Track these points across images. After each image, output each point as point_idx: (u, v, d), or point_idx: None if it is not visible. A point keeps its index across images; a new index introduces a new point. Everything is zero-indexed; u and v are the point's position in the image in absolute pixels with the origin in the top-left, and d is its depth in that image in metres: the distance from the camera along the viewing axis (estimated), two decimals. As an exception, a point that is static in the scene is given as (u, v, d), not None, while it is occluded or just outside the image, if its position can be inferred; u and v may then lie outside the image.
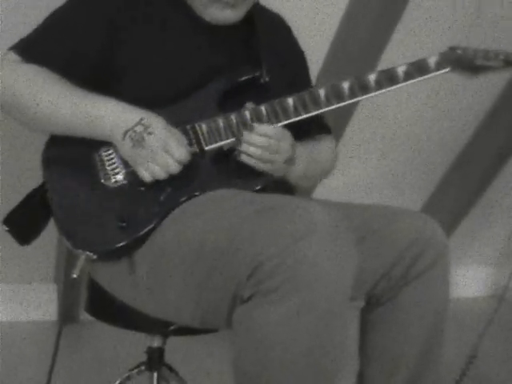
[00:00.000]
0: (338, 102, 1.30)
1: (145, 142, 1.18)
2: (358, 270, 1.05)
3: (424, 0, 2.01)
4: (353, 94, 1.30)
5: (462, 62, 1.33)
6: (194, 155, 1.24)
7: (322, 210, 1.04)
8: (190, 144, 1.24)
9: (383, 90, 1.30)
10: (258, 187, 1.24)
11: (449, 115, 2.45)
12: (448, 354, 1.32)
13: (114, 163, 1.24)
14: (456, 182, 2.69)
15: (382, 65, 2.03)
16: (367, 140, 2.44)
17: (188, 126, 1.26)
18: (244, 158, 1.25)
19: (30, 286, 2.38)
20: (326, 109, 1.30)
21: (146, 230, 1.18)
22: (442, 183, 2.74)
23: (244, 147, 1.24)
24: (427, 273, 1.24)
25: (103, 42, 1.28)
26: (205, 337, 1.34)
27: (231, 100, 1.30)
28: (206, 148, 1.26)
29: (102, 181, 1.23)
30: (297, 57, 1.52)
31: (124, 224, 1.18)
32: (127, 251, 1.20)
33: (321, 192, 2.30)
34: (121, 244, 1.18)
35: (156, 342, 1.42)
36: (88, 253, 1.18)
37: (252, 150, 1.24)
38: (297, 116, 1.29)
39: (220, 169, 1.26)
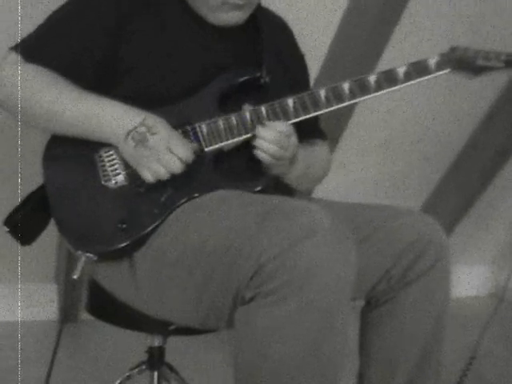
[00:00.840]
0: (338, 103, 1.30)
1: (148, 142, 1.18)
2: (358, 270, 1.06)
3: (424, 0, 2.01)
4: (353, 95, 1.30)
5: (463, 62, 1.33)
6: (194, 155, 1.24)
7: (322, 211, 1.05)
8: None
9: (383, 91, 1.31)
10: (258, 188, 1.24)
11: (448, 115, 2.45)
12: (448, 354, 1.33)
13: (115, 164, 1.24)
14: (455, 182, 2.69)
15: (382, 65, 2.03)
16: (367, 140, 2.44)
17: (188, 127, 1.26)
18: (257, 154, 1.25)
19: (30, 286, 2.39)
20: (326, 110, 1.30)
21: (146, 230, 1.18)
22: (441, 183, 2.74)
23: (258, 142, 1.25)
24: (427, 273, 1.24)
25: (105, 43, 1.28)
26: (205, 337, 1.34)
27: (231, 100, 1.30)
28: (206, 149, 1.26)
29: (103, 182, 1.23)
30: (297, 60, 1.52)
31: (124, 225, 1.18)
32: (128, 252, 1.20)
33: (321, 192, 2.29)
34: (121, 245, 1.18)
35: (156, 342, 1.42)
36: (88, 254, 1.18)
37: (266, 145, 1.24)
38: (296, 117, 1.29)
39: (220, 170, 1.26)
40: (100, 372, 2.07)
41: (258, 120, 1.27)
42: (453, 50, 1.34)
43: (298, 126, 1.30)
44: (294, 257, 0.99)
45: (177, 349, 1.51)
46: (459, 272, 2.83)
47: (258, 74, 1.33)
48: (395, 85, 1.30)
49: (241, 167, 1.29)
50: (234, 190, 1.21)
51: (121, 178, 1.23)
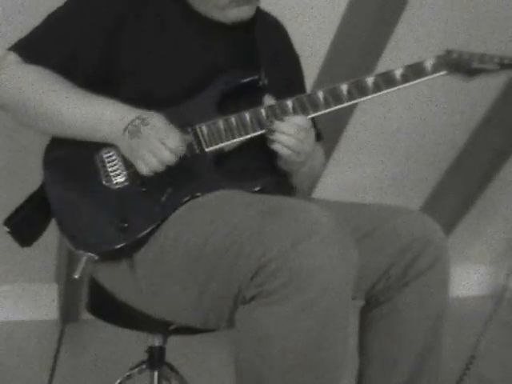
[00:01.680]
0: (336, 105, 1.31)
1: (140, 132, 1.19)
2: (358, 270, 1.06)
3: (423, 2, 2.01)
4: (351, 97, 1.31)
5: (458, 65, 1.34)
6: (193, 155, 1.25)
7: (323, 211, 1.05)
8: (191, 146, 1.25)
9: (381, 93, 1.32)
10: (258, 188, 1.24)
11: (448, 116, 2.45)
12: (448, 354, 1.33)
13: (116, 164, 1.24)
14: (455, 182, 2.69)
15: (381, 66, 2.04)
16: (367, 140, 2.44)
17: (189, 128, 1.27)
18: (277, 147, 1.26)
19: (31, 286, 2.39)
20: (325, 111, 1.31)
21: (147, 230, 1.19)
22: (441, 183, 2.74)
23: (277, 136, 1.26)
24: (426, 273, 1.25)
25: (104, 43, 1.28)
26: (205, 336, 1.34)
27: (230, 102, 1.31)
28: (207, 149, 1.27)
29: (104, 182, 1.23)
30: (292, 61, 1.53)
31: (125, 225, 1.18)
32: (129, 252, 1.20)
33: (321, 192, 2.30)
34: (122, 245, 1.18)
35: (157, 341, 1.43)
36: (89, 254, 1.18)
37: (285, 138, 1.25)
38: (296, 118, 1.30)
39: (221, 170, 1.27)
40: (100, 371, 2.07)
41: (258, 120, 1.28)
42: (449, 52, 1.35)
43: None
44: (295, 256, 0.99)
45: (177, 348, 1.51)
46: (459, 272, 2.83)
47: (257, 77, 1.34)
48: (393, 86, 1.31)
49: (241, 167, 1.29)
50: (235, 190, 1.22)
51: (122, 179, 1.23)
